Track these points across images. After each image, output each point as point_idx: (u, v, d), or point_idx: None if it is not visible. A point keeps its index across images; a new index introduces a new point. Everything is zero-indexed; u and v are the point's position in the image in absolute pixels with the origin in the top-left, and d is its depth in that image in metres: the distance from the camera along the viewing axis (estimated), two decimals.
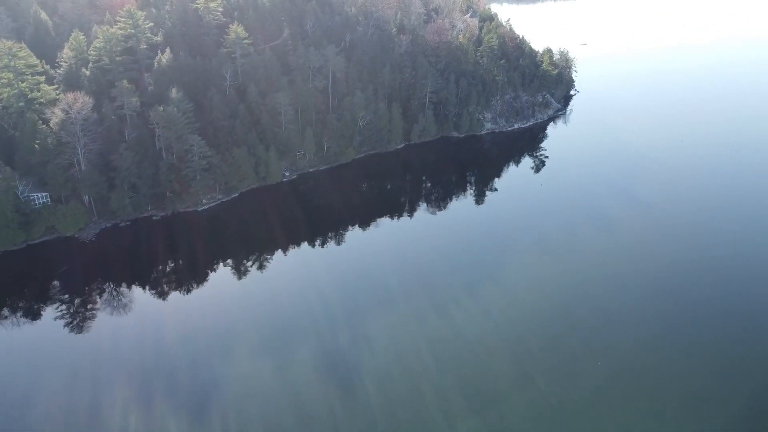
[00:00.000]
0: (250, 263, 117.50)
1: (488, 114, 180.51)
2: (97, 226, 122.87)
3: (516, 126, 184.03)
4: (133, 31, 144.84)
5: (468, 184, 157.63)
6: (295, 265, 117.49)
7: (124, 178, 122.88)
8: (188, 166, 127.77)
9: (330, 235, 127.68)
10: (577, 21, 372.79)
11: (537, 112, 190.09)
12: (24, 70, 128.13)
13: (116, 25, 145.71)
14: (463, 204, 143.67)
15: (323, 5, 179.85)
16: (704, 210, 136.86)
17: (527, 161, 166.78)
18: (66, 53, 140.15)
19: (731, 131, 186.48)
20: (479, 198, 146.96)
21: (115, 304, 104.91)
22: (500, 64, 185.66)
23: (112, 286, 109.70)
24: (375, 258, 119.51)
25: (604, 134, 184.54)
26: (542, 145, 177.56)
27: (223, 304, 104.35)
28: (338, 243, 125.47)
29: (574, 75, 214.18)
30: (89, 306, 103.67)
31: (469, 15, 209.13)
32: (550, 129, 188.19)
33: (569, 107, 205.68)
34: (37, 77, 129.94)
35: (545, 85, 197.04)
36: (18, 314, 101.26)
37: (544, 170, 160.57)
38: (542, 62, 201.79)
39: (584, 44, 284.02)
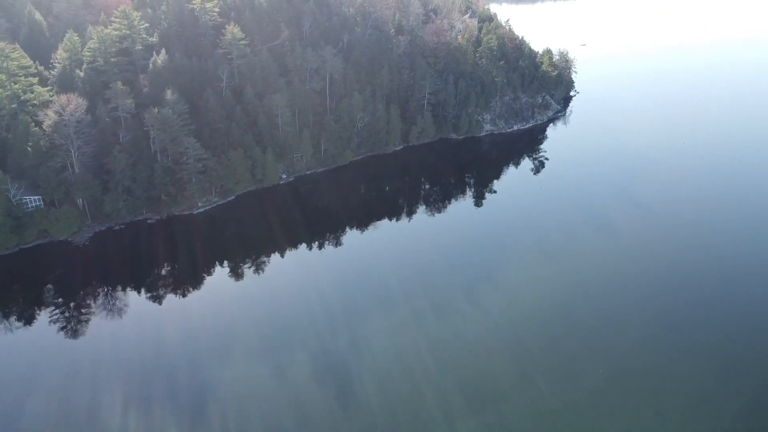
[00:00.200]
0: (246, 266, 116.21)
1: (487, 115, 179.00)
2: (91, 229, 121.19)
3: (515, 127, 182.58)
4: (128, 31, 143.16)
5: (467, 186, 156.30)
6: (293, 268, 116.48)
7: (119, 180, 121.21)
8: (183, 168, 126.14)
9: (328, 237, 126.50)
10: (577, 21, 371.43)
11: (536, 113, 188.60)
12: (17, 71, 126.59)
13: (111, 25, 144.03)
14: (462, 206, 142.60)
15: (321, 6, 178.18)
16: (704, 210, 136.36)
17: (527, 163, 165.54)
18: (60, 54, 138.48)
19: (731, 131, 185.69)
20: (478, 200, 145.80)
21: (109, 308, 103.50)
22: (499, 65, 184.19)
23: (106, 290, 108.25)
24: (374, 260, 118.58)
25: (603, 135, 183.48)
26: (542, 146, 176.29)
27: (221, 308, 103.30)
28: (336, 245, 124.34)
29: (573, 76, 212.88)
30: (83, 310, 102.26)
31: (468, 15, 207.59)
32: (550, 130, 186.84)
33: (569, 108, 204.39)
34: (30, 79, 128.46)
35: (545, 86, 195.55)
36: (11, 319, 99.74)
37: (543, 172, 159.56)
38: (542, 63, 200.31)
39: (584, 45, 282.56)
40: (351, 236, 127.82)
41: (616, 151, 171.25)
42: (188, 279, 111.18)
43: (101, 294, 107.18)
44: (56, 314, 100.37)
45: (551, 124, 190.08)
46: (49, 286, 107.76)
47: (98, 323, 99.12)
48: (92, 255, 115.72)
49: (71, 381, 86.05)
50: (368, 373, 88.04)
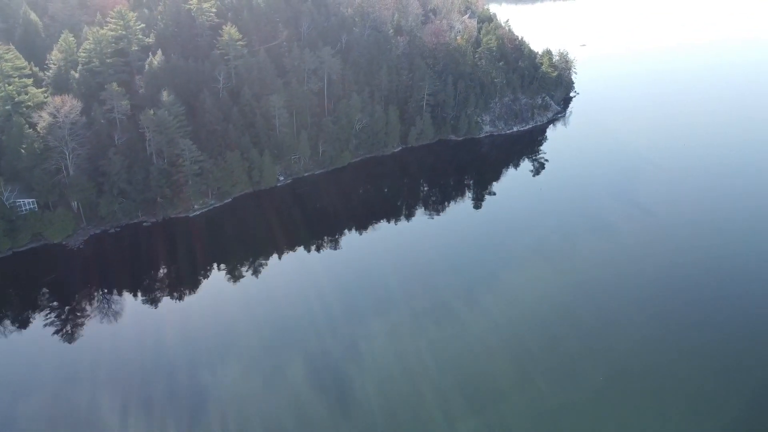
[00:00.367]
0: (244, 269, 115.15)
1: (487, 117, 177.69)
2: (86, 232, 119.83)
3: (515, 129, 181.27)
4: (124, 32, 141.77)
5: (466, 188, 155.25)
6: (291, 270, 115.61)
7: (114, 183, 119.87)
8: (180, 170, 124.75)
9: (326, 239, 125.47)
10: (577, 21, 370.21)
11: (536, 114, 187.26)
12: (11, 72, 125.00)
13: (107, 26, 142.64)
14: (461, 207, 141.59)
15: (319, 6, 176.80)
16: (704, 211, 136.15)
17: (526, 164, 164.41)
18: (55, 55, 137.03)
19: (731, 132, 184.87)
20: (478, 201, 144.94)
21: (105, 312, 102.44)
22: (499, 66, 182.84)
23: (101, 293, 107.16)
24: (373, 262, 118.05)
25: (603, 136, 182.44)
26: (541, 147, 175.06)
27: (218, 311, 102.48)
28: (335, 247, 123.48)
29: (573, 76, 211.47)
30: (78, 314, 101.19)
31: (467, 16, 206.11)
32: (550, 131, 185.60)
33: (569, 109, 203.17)
34: (24, 80, 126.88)
35: (544, 87, 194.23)
36: (4, 323, 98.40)
37: (543, 173, 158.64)
38: (542, 64, 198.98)
39: (584, 45, 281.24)
40: (349, 238, 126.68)
41: (616, 152, 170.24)
42: (185, 282, 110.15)
43: (96, 298, 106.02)
44: (51, 318, 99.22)
45: (551, 125, 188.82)
46: (44, 290, 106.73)
47: (93, 327, 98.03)
48: (87, 258, 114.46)
49: (66, 385, 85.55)
50: (368, 373, 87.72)
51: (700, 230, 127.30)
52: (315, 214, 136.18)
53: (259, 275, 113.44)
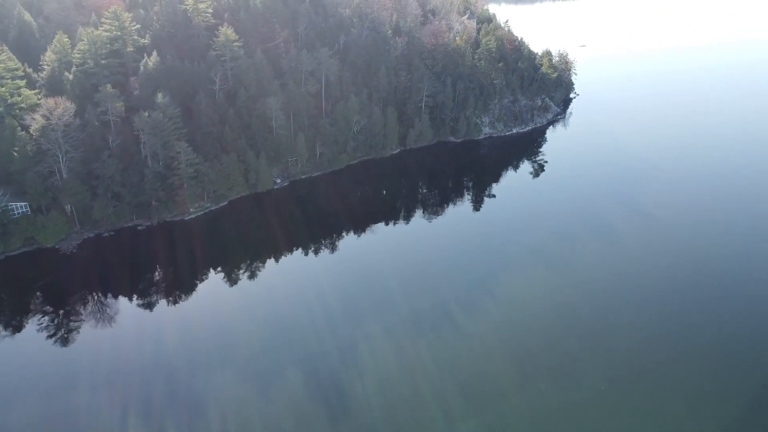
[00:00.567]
0: (240, 273, 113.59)
1: (486, 118, 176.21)
2: (79, 236, 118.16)
3: (514, 130, 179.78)
4: (119, 33, 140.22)
5: (465, 190, 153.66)
6: (288, 274, 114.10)
7: (108, 186, 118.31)
8: (175, 173, 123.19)
9: (324, 242, 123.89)
10: (576, 21, 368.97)
11: (536, 116, 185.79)
12: (4, 74, 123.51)
13: (101, 27, 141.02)
14: (460, 209, 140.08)
15: (316, 6, 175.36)
16: (704, 212, 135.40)
17: (526, 166, 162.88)
18: (49, 56, 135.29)
19: (732, 133, 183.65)
20: (477, 204, 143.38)
21: (99, 317, 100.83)
22: (498, 67, 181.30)
23: (95, 298, 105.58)
24: (371, 264, 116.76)
25: (603, 137, 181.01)
26: (541, 149, 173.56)
27: (214, 315, 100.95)
28: (332, 251, 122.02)
29: (573, 77, 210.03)
30: (72, 319, 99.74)
31: (466, 16, 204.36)
32: (550, 133, 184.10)
33: (569, 110, 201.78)
34: (17, 81, 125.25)
35: (544, 88, 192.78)
36: None
37: (543, 175, 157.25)
38: (541, 65, 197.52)
39: (583, 46, 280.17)
40: (348, 241, 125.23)
41: (615, 154, 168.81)
42: (180, 286, 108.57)
43: (90, 302, 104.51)
44: (44, 323, 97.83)
45: (551, 127, 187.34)
46: (37, 294, 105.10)
47: (87, 332, 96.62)
48: (80, 262, 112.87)
49: (60, 389, 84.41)
50: (367, 375, 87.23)
51: (700, 231, 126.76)
52: (312, 216, 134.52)
53: (256, 278, 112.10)
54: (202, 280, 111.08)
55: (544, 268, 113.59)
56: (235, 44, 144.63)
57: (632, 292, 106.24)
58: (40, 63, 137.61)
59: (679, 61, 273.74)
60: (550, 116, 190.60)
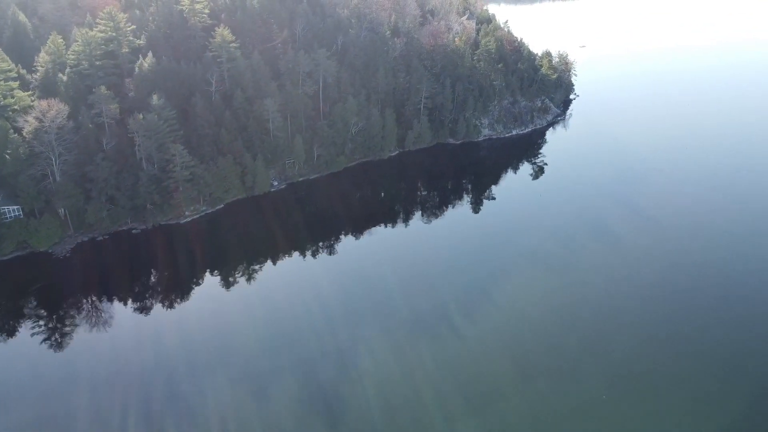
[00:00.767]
0: (236, 277, 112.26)
1: (485, 120, 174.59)
2: (73, 240, 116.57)
3: (514, 132, 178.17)
4: (114, 34, 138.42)
5: (465, 192, 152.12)
6: (285, 278, 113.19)
7: (102, 189, 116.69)
8: (170, 176, 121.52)
9: (321, 246, 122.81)
10: (576, 21, 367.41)
11: (536, 117, 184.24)
12: None
13: (96, 27, 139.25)
14: (460, 212, 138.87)
15: (314, 7, 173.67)
16: (705, 213, 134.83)
17: (526, 168, 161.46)
18: (43, 57, 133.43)
19: (734, 133, 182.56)
20: (476, 206, 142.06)
21: (93, 321, 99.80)
22: (498, 68, 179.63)
23: (89, 302, 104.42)
24: (369, 267, 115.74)
25: (604, 139, 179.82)
26: (541, 151, 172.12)
27: (210, 320, 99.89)
28: (330, 253, 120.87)
29: (573, 78, 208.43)
30: (65, 323, 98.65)
31: (466, 17, 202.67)
32: (549, 134, 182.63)
33: (569, 112, 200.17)
34: (10, 83, 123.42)
35: (544, 89, 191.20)
36: None
37: (543, 177, 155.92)
38: (541, 66, 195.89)
39: (583, 46, 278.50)
40: (346, 244, 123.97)
41: (616, 155, 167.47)
42: (175, 291, 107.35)
43: (84, 307, 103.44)
44: (38, 328, 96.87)
45: (551, 129, 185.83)
46: (31, 299, 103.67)
47: (81, 336, 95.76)
48: (74, 266, 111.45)
49: (54, 394, 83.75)
50: (367, 376, 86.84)
51: (700, 233, 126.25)
52: (310, 219, 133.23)
53: (253, 282, 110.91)
54: (198, 284, 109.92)
55: (543, 270, 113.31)
56: (231, 45, 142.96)
57: (632, 294, 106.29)
58: (34, 64, 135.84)
59: (679, 62, 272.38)
60: (549, 118, 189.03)
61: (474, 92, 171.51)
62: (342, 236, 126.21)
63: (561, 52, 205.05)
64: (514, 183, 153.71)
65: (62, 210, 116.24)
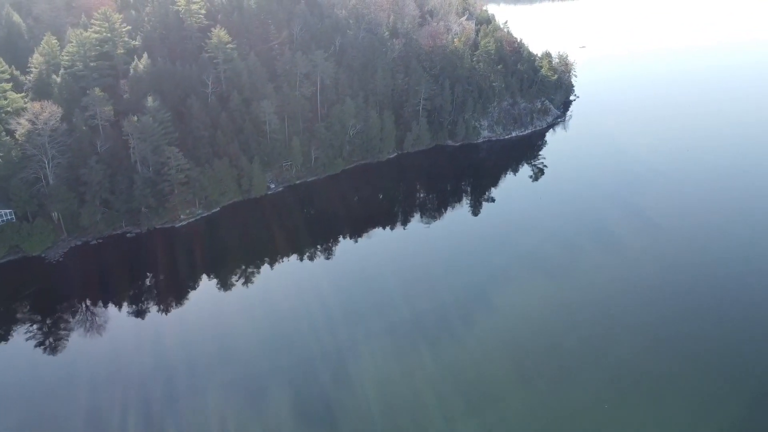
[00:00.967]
0: (232, 281, 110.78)
1: (485, 121, 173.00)
2: (66, 244, 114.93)
3: (514, 134, 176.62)
4: (108, 34, 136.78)
5: (464, 194, 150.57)
6: (282, 281, 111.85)
7: (96, 192, 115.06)
8: (165, 179, 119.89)
9: (318, 249, 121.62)
10: (576, 21, 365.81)
11: (536, 119, 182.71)
12: None
13: (91, 28, 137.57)
14: (459, 214, 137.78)
15: (312, 7, 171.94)
16: (705, 215, 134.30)
17: (525, 170, 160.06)
18: (36, 59, 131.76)
19: (736, 134, 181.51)
20: (476, 208, 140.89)
21: (86, 326, 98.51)
22: (497, 70, 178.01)
23: (83, 307, 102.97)
24: (368, 269, 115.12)
25: (604, 140, 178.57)
26: (541, 153, 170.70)
27: (206, 324, 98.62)
28: (328, 257, 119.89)
29: (573, 79, 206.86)
30: (58, 328, 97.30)
31: (465, 17, 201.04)
32: (549, 136, 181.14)
33: (569, 113, 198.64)
34: (3, 84, 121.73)
35: (544, 90, 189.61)
36: None
37: (542, 179, 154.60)
38: (541, 67, 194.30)
39: (583, 47, 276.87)
40: (344, 247, 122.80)
41: (616, 157, 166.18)
42: (170, 295, 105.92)
43: (77, 311, 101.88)
44: (31, 333, 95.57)
45: (551, 130, 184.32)
46: (23, 304, 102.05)
47: (74, 342, 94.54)
48: (67, 271, 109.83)
49: (48, 399, 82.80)
50: (366, 378, 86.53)
51: (700, 235, 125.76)
52: (307, 222, 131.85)
53: (249, 286, 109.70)
54: (194, 288, 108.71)
55: (543, 271, 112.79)
56: (228, 46, 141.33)
57: (632, 295, 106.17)
58: (28, 65, 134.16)
59: (679, 62, 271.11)
60: (549, 119, 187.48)
61: (473, 93, 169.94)
62: (340, 239, 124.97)
63: (561, 53, 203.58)
64: (514, 185, 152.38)
65: (55, 214, 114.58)
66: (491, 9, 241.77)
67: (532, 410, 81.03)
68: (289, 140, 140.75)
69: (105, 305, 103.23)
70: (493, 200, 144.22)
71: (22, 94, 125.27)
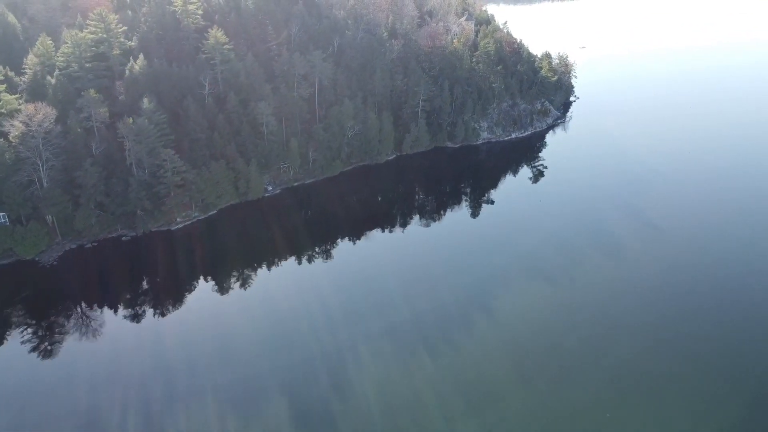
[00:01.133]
0: (229, 284, 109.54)
1: (484, 123, 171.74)
2: (61, 247, 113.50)
3: (513, 135, 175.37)
4: (104, 35, 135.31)
5: (463, 196, 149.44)
6: (280, 285, 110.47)
7: (91, 195, 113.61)
8: (161, 182, 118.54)
9: (316, 252, 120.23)
10: (575, 22, 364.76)
11: (535, 120, 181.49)
12: None
13: (86, 28, 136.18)
14: (458, 216, 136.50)
15: (310, 8, 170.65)
16: (706, 217, 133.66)
17: (525, 172, 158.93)
18: (31, 59, 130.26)
19: (735, 136, 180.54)
20: (475, 210, 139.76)
21: (81, 331, 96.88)
22: (497, 71, 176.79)
23: (77, 311, 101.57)
24: (367, 271, 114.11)
25: (604, 142, 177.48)
26: (541, 154, 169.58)
27: (202, 327, 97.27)
28: (326, 259, 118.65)
29: (573, 80, 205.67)
30: (53, 332, 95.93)
31: (464, 18, 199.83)
32: (549, 138, 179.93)
33: (569, 114, 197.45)
34: None
35: (544, 91, 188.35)
36: None
37: (543, 181, 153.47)
38: (541, 68, 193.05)
39: (583, 47, 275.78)
40: (342, 250, 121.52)
41: (616, 158, 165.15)
42: (167, 298, 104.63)
43: (72, 316, 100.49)
44: (25, 337, 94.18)
45: (551, 131, 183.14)
46: (17, 308, 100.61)
47: (69, 346, 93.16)
48: (61, 275, 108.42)
49: (43, 403, 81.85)
50: (366, 378, 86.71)
51: (701, 236, 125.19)
52: (305, 225, 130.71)
53: (247, 288, 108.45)
54: (190, 292, 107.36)
55: (543, 272, 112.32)
56: (225, 47, 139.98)
57: (632, 295, 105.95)
58: (23, 66, 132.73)
59: (679, 62, 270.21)
60: (549, 120, 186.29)
61: (473, 95, 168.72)
62: (339, 241, 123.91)
63: (561, 54, 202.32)
64: (514, 187, 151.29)
65: (49, 217, 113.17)
66: (491, 9, 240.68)
67: (532, 410, 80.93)
68: (287, 142, 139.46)
69: (101, 308, 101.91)
70: (492, 202, 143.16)
71: (17, 95, 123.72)
